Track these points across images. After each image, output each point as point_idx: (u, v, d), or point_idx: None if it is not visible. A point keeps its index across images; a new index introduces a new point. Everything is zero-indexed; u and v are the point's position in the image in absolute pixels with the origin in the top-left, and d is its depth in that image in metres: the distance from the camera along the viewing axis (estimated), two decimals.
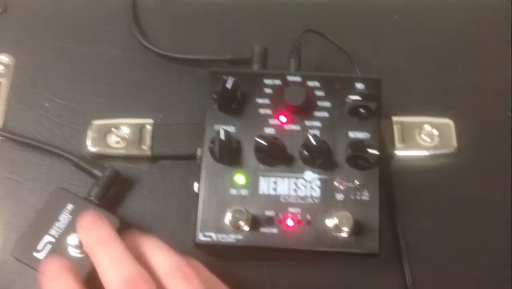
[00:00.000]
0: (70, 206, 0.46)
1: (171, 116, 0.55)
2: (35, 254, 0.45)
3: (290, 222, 0.45)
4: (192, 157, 0.50)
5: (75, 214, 0.46)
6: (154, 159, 0.53)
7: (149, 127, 0.53)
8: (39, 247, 0.45)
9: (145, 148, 0.52)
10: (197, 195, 0.46)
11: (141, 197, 0.52)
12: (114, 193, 0.51)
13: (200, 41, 0.58)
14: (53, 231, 0.46)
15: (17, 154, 0.53)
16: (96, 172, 0.50)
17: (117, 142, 0.52)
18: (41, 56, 0.57)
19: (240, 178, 0.46)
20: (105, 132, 0.53)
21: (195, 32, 0.59)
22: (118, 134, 0.53)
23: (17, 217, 0.51)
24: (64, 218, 0.46)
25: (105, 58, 0.57)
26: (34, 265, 0.45)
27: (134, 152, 0.52)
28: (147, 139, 0.53)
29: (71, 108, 0.55)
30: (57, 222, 0.46)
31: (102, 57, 0.57)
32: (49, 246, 0.45)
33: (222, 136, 0.45)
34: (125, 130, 0.53)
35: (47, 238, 0.45)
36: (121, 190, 0.52)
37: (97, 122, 0.53)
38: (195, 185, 0.47)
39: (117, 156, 0.52)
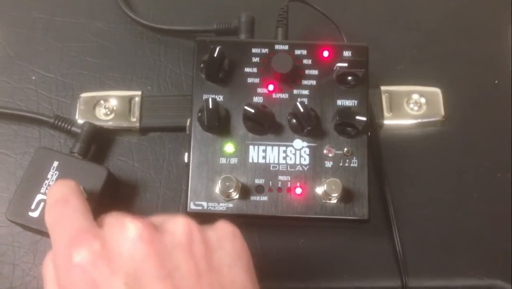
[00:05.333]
0: (55, 163, 0.47)
1: (159, 88, 0.54)
2: (30, 213, 0.45)
3: (280, 190, 0.46)
4: (181, 128, 0.50)
5: (61, 170, 0.47)
6: (143, 130, 0.53)
7: (137, 99, 0.53)
8: (33, 206, 0.46)
9: (134, 119, 0.52)
10: (187, 165, 0.46)
11: (131, 169, 0.52)
12: (101, 160, 0.52)
13: (187, 11, 0.58)
14: (43, 190, 0.46)
15: (5, 128, 0.53)
16: (74, 129, 0.50)
17: (106, 114, 0.52)
18: (26, 29, 0.56)
19: (229, 147, 0.46)
20: (93, 104, 0.53)
21: (181, 2, 0.58)
22: (106, 106, 0.52)
23: (6, 190, 0.50)
24: (52, 175, 0.46)
25: (92, 31, 0.57)
26: (31, 223, 0.45)
27: (123, 123, 0.52)
28: (136, 111, 0.52)
29: (58, 81, 0.54)
30: (46, 180, 0.46)
31: (88, 30, 0.57)
32: (42, 204, 0.45)
33: (210, 104, 0.45)
34: (113, 103, 0.53)
35: (39, 197, 0.46)
36: (111, 162, 0.52)
37: (85, 94, 0.53)
38: (185, 155, 0.47)
39: (105, 128, 0.52)
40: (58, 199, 0.37)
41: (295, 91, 0.48)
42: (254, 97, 0.47)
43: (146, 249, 0.33)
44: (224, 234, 0.36)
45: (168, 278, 0.32)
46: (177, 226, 0.35)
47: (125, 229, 0.34)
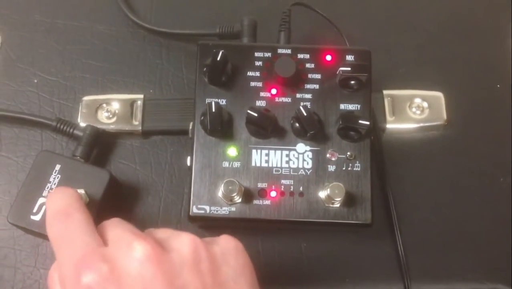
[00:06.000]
0: (58, 166, 0.47)
1: (161, 92, 0.54)
2: (32, 217, 0.45)
3: (282, 194, 0.46)
4: (183, 132, 0.50)
5: (63, 173, 0.47)
6: (145, 134, 0.53)
7: (139, 103, 0.53)
8: (35, 210, 0.45)
9: (136, 123, 0.52)
10: (189, 168, 0.46)
11: (133, 172, 0.52)
12: (103, 163, 0.52)
13: (189, 15, 0.58)
14: (45, 193, 0.46)
15: (7, 131, 0.53)
16: (76, 132, 0.50)
17: (108, 117, 0.52)
18: (28, 32, 0.56)
19: (232, 151, 0.46)
20: (95, 107, 0.53)
21: (184, 6, 0.58)
22: (108, 109, 0.52)
23: (8, 194, 0.50)
24: (54, 178, 0.46)
25: (94, 34, 0.57)
26: (32, 227, 0.45)
27: (125, 127, 0.52)
28: (138, 115, 0.52)
29: (60, 84, 0.54)
30: (48, 184, 0.46)
31: (90, 33, 0.57)
32: (44, 207, 0.45)
33: (213, 108, 0.45)
34: (116, 106, 0.53)
35: (41, 200, 0.46)
36: (113, 165, 0.52)
37: (87, 98, 0.53)
38: (188, 159, 0.47)
39: (108, 131, 0.52)
40: (60, 211, 0.37)
41: (298, 95, 0.48)
42: (257, 101, 0.47)
43: (154, 270, 0.33)
44: (228, 248, 0.37)
45: None
46: (183, 244, 0.35)
47: (132, 250, 0.34)
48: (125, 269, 0.33)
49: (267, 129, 0.46)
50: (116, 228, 0.37)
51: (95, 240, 0.35)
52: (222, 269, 0.35)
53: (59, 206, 0.38)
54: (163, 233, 0.37)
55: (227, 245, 0.37)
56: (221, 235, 0.39)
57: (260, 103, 0.47)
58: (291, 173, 0.46)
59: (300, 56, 0.48)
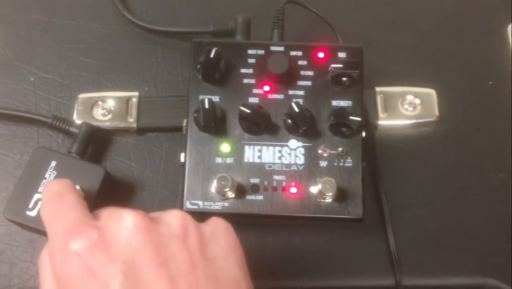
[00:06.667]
0: (53, 163, 0.47)
1: (156, 89, 0.55)
2: (28, 212, 0.46)
3: (275, 189, 0.46)
4: (178, 129, 0.50)
5: (59, 170, 0.47)
6: (140, 131, 0.53)
7: (134, 100, 0.53)
8: (31, 205, 0.46)
9: (131, 120, 0.53)
10: (183, 164, 0.47)
11: (128, 169, 0.52)
12: (99, 160, 0.52)
13: (184, 13, 0.59)
14: (41, 189, 0.46)
15: (4, 128, 0.53)
16: (72, 129, 0.51)
17: (103, 115, 0.53)
18: (25, 31, 0.57)
19: (225, 147, 0.47)
20: (91, 105, 0.53)
21: (178, 4, 0.59)
22: (104, 107, 0.53)
23: (5, 190, 0.51)
24: (50, 174, 0.47)
25: (90, 33, 0.57)
26: (29, 222, 0.46)
27: (120, 124, 0.53)
28: (133, 112, 0.53)
29: (57, 82, 0.55)
30: (44, 180, 0.47)
31: (86, 31, 0.57)
32: (40, 203, 0.46)
33: (206, 105, 0.45)
34: (111, 103, 0.53)
35: (37, 196, 0.46)
36: (108, 162, 0.52)
37: (83, 95, 0.54)
38: (182, 155, 0.47)
39: (103, 128, 0.52)
40: (54, 194, 0.38)
41: (291, 92, 0.48)
42: (250, 98, 0.48)
43: (143, 238, 0.34)
44: (218, 228, 0.37)
45: (164, 266, 0.33)
46: (173, 218, 0.36)
47: (122, 219, 0.34)
48: (114, 237, 0.33)
49: (260, 125, 0.47)
50: (108, 209, 0.38)
51: (87, 216, 0.36)
52: (211, 246, 0.35)
53: (54, 189, 0.38)
54: (154, 213, 0.37)
55: (217, 225, 0.37)
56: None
57: (253, 100, 0.48)
58: (283, 169, 0.47)
59: (293, 53, 0.49)
